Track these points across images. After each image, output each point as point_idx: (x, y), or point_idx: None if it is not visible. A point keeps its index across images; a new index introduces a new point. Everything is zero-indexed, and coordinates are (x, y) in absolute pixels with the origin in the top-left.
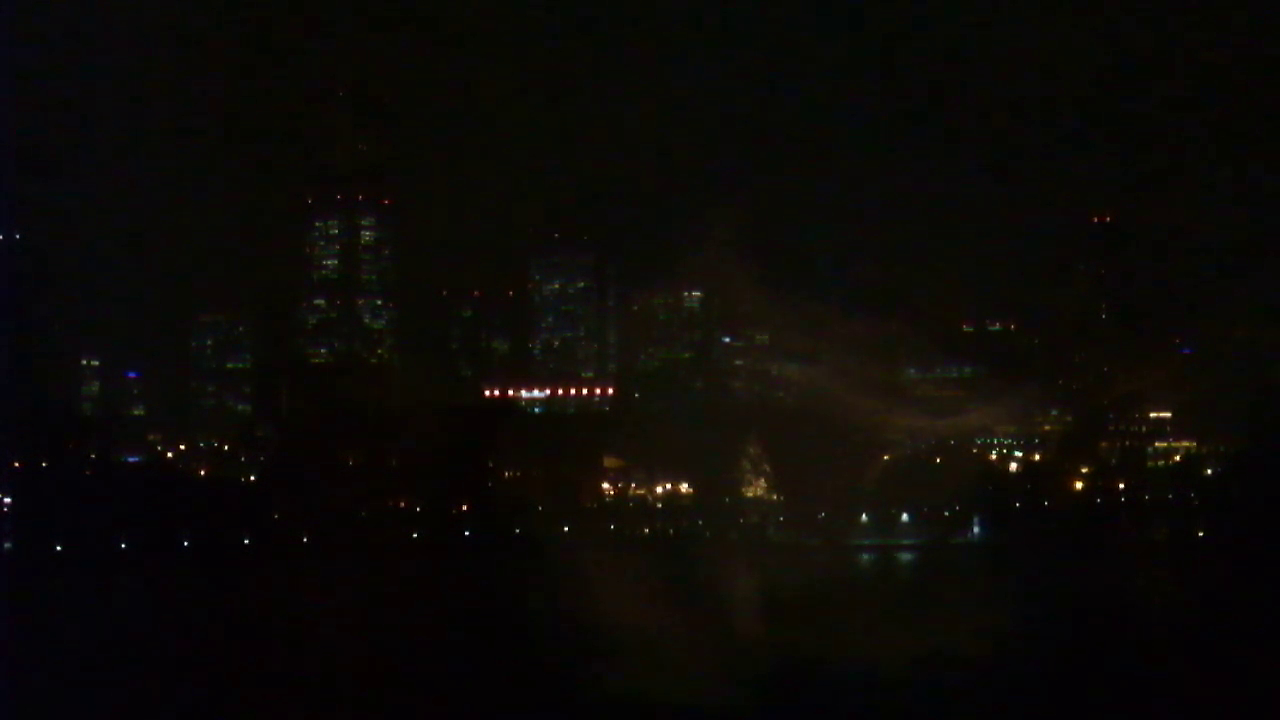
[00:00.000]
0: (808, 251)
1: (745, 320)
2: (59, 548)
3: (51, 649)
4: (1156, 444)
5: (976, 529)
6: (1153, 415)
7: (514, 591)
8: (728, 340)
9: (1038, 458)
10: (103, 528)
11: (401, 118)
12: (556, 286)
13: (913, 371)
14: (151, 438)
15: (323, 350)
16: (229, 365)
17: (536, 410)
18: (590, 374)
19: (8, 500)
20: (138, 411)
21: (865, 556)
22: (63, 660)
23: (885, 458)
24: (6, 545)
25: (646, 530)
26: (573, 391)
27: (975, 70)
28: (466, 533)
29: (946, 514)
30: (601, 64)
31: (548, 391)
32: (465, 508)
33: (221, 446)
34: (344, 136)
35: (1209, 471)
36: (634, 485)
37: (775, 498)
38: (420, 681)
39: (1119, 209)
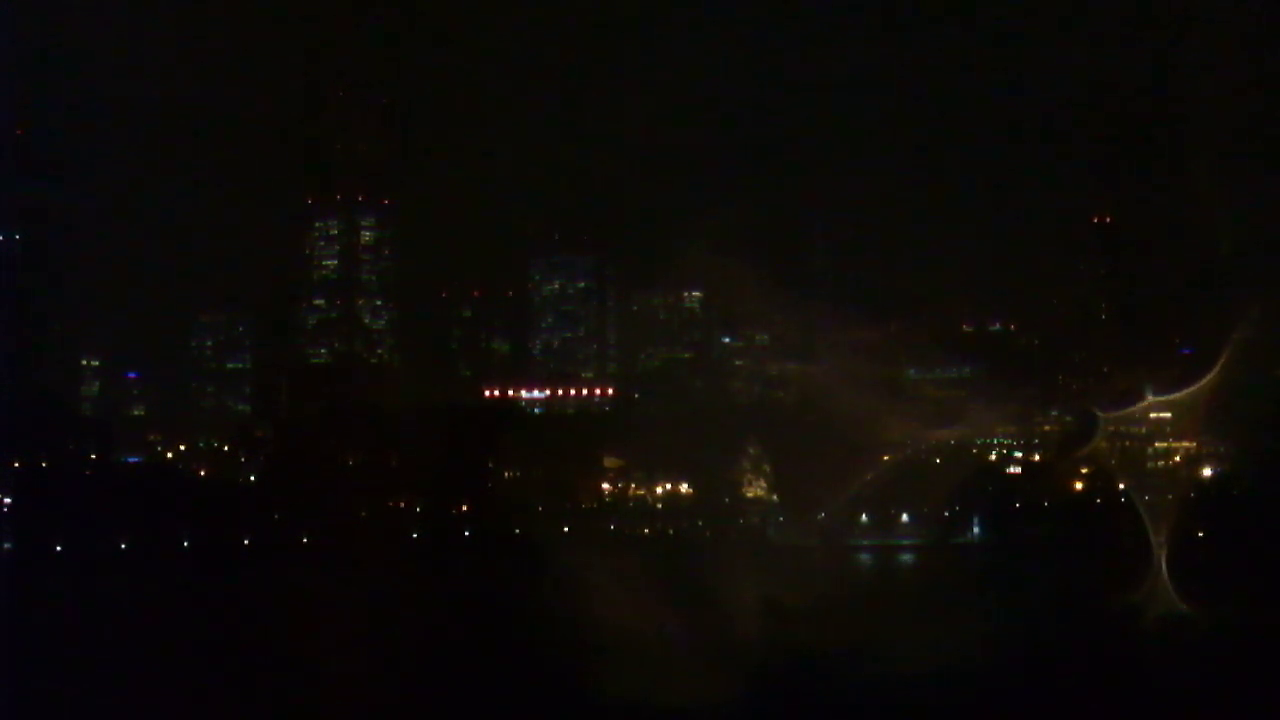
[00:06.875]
0: (808, 252)
1: (745, 320)
2: (59, 548)
3: (51, 649)
4: (1156, 444)
5: (976, 529)
6: (1153, 415)
7: (514, 591)
8: (728, 340)
9: (1038, 458)
10: (103, 528)
11: (401, 118)
12: (556, 286)
13: (913, 372)
14: (151, 438)
15: (323, 350)
16: (229, 365)
17: (536, 410)
18: (590, 374)
19: (8, 500)
20: (138, 411)
21: (865, 557)
22: (63, 660)
23: (885, 458)
24: (6, 545)
25: (646, 531)
26: (573, 392)
27: (976, 69)
28: (466, 533)
29: (946, 514)
30: (601, 63)
31: (548, 392)
32: (465, 508)
33: (221, 446)
34: (344, 136)
35: (1209, 471)
36: (634, 485)
37: (775, 498)
38: (420, 682)
39: (1119, 209)
